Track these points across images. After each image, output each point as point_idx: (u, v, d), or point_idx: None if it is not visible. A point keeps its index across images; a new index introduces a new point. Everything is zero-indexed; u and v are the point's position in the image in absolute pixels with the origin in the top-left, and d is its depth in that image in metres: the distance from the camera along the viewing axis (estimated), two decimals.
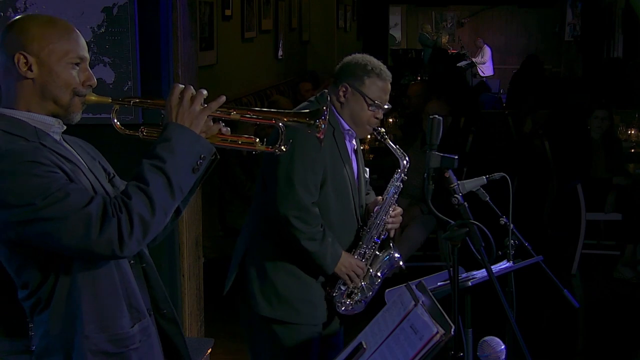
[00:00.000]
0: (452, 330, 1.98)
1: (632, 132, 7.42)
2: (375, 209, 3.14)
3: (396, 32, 18.75)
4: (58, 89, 2.01)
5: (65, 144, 2.09)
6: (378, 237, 3.13)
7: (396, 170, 3.13)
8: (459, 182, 2.48)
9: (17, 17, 2.08)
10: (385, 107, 3.09)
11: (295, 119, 2.09)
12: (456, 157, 2.46)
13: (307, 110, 2.09)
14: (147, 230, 1.91)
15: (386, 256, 3.15)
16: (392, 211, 3.12)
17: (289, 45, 9.67)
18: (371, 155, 6.73)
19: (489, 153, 8.54)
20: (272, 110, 2.14)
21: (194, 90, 2.05)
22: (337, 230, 3.08)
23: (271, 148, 2.09)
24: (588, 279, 6.30)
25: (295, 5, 10.01)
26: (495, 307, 2.44)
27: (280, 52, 9.28)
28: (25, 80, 2.00)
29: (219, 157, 2.12)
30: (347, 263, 3.06)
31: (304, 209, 2.96)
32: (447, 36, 18.73)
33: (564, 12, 17.61)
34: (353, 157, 3.17)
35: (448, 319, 2.02)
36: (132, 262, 2.13)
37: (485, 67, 16.88)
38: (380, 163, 6.01)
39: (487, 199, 2.58)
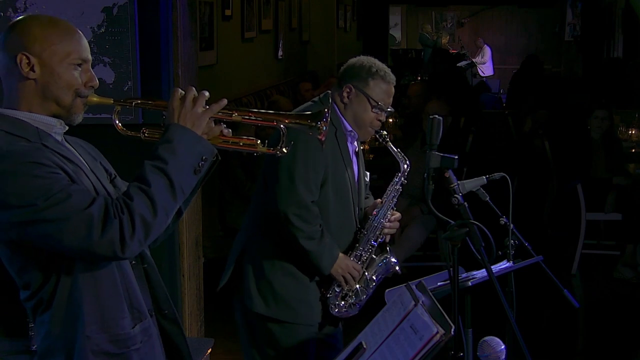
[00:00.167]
0: (452, 330, 1.98)
1: (632, 132, 7.42)
2: (373, 212, 3.14)
3: (396, 32, 18.75)
4: (60, 90, 2.01)
5: (67, 144, 2.09)
6: (375, 241, 3.13)
7: (396, 174, 3.13)
8: (459, 182, 2.48)
9: (20, 17, 2.08)
10: (389, 109, 3.10)
11: (297, 121, 2.09)
12: (456, 157, 2.46)
13: (309, 113, 2.09)
14: (148, 231, 1.92)
15: (382, 260, 3.15)
16: (391, 216, 3.13)
17: (289, 45, 9.67)
18: (371, 155, 6.73)
19: (489, 153, 8.54)
20: (274, 112, 2.15)
21: (196, 92, 2.05)
22: (335, 231, 3.08)
23: (272, 150, 2.10)
24: (588, 279, 6.30)
25: (295, 5, 10.00)
26: (495, 307, 2.44)
27: (280, 52, 9.28)
28: (28, 80, 2.00)
29: (220, 158, 2.12)
30: (344, 265, 3.06)
31: (304, 207, 2.96)
32: (447, 36, 18.73)
33: (564, 12, 17.61)
34: (354, 158, 3.18)
35: (448, 319, 2.02)
36: (133, 262, 2.14)
37: (485, 67, 16.88)
38: (380, 163, 6.01)
39: (487, 199, 2.58)
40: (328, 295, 3.10)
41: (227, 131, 2.10)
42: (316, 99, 3.16)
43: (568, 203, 6.47)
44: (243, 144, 2.11)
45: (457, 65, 13.10)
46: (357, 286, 3.11)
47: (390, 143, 3.13)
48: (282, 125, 2.08)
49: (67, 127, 2.09)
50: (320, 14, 11.64)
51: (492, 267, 2.47)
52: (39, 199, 1.86)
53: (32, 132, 1.98)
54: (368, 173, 3.31)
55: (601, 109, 6.66)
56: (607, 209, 6.43)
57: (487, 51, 17.17)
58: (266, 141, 2.12)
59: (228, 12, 7.24)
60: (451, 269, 2.38)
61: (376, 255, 3.15)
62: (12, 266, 2.01)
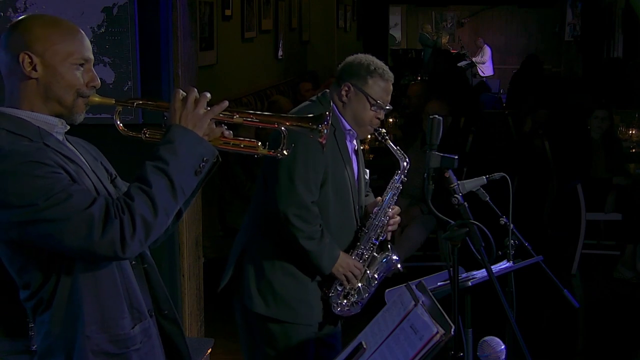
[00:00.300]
0: (452, 330, 1.98)
1: (632, 132, 7.42)
2: (374, 211, 3.14)
3: (396, 32, 18.75)
4: (62, 90, 2.01)
5: (68, 144, 2.09)
6: (376, 239, 3.13)
7: (396, 171, 3.13)
8: (459, 182, 2.48)
9: (22, 17, 2.08)
10: (387, 107, 3.10)
11: (298, 123, 2.10)
12: (456, 157, 2.46)
13: (310, 116, 2.09)
14: (149, 231, 1.92)
15: (384, 258, 3.15)
16: (391, 211, 3.12)
17: (289, 45, 9.67)
18: (371, 155, 6.73)
19: (489, 153, 8.54)
20: (275, 114, 2.15)
21: (197, 93, 2.05)
22: (336, 230, 3.08)
23: (273, 152, 2.10)
24: (588, 279, 6.30)
25: (295, 5, 10.00)
26: (495, 307, 2.44)
27: (280, 52, 9.28)
28: (30, 80, 2.00)
29: (220, 159, 2.12)
30: (345, 264, 3.06)
31: (303, 207, 2.96)
32: (447, 36, 18.73)
33: (564, 12, 17.61)
34: (354, 157, 3.17)
35: (448, 319, 2.02)
36: (133, 263, 2.14)
37: (485, 67, 16.88)
38: (381, 163, 6.01)
39: (487, 199, 2.58)
40: (330, 295, 3.10)
41: (228, 133, 2.11)
42: (314, 98, 3.16)
43: (568, 203, 6.47)
44: (244, 145, 2.12)
45: (457, 65, 13.10)
46: (359, 284, 3.11)
47: (389, 140, 3.13)
48: (283, 128, 2.09)
49: (68, 127, 2.09)
50: (320, 14, 11.64)
51: (492, 267, 2.47)
52: (39, 199, 1.86)
53: (34, 132, 1.98)
54: (368, 170, 3.31)
55: (601, 109, 6.66)
56: (607, 209, 6.43)
57: (487, 51, 17.17)
58: (267, 143, 2.12)
59: (228, 12, 7.24)
60: (451, 269, 2.38)
61: (377, 253, 3.15)
62: (12, 266, 2.01)
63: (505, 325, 2.47)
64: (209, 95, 2.06)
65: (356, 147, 3.21)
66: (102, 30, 3.46)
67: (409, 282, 2.28)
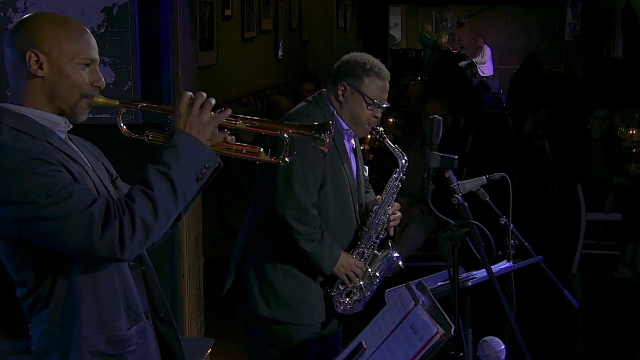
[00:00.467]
0: (452, 330, 1.98)
1: (632, 132, 7.42)
2: (374, 209, 3.13)
3: (396, 32, 18.75)
4: (66, 89, 2.02)
5: (70, 143, 2.09)
6: (377, 237, 3.13)
7: (395, 169, 3.12)
8: (459, 182, 2.48)
9: (28, 15, 2.08)
10: (385, 105, 3.09)
11: (301, 131, 2.10)
12: (456, 157, 2.46)
13: (314, 124, 2.09)
14: (149, 233, 1.92)
15: (385, 256, 3.15)
16: (391, 209, 3.12)
17: (289, 45, 9.68)
18: (371, 155, 6.73)
19: (489, 153, 8.54)
20: (278, 121, 2.16)
21: (204, 98, 2.05)
22: (336, 230, 3.08)
23: (275, 159, 2.10)
24: (588, 279, 6.30)
25: (295, 5, 10.01)
26: (495, 307, 2.44)
27: (280, 52, 9.28)
28: (35, 78, 2.00)
29: (222, 165, 2.12)
30: (346, 263, 3.06)
31: (302, 209, 2.96)
32: (447, 36, 18.73)
33: (564, 12, 17.61)
34: (352, 156, 3.17)
35: (448, 319, 2.02)
36: (131, 264, 2.14)
37: (485, 67, 16.88)
38: (380, 163, 6.01)
39: (487, 199, 2.58)
40: (332, 294, 3.10)
41: (231, 138, 2.11)
42: (310, 98, 3.15)
43: (568, 203, 6.47)
44: (246, 151, 2.12)
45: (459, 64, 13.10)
46: (361, 283, 3.10)
47: (387, 139, 3.12)
48: (285, 135, 2.09)
49: (71, 126, 2.09)
50: (320, 14, 11.65)
51: (492, 267, 2.47)
52: (40, 197, 1.86)
53: (37, 129, 1.99)
54: (367, 167, 3.30)
55: (601, 109, 6.66)
56: (607, 209, 6.43)
57: (487, 51, 17.18)
58: (269, 150, 2.12)
59: (228, 12, 7.24)
60: (451, 269, 2.38)
61: (378, 252, 3.15)
62: (10, 263, 2.01)
63: (505, 325, 2.47)
64: (213, 101, 2.06)
65: (354, 146, 3.21)
66: (102, 30, 3.46)
67: (409, 282, 2.28)
